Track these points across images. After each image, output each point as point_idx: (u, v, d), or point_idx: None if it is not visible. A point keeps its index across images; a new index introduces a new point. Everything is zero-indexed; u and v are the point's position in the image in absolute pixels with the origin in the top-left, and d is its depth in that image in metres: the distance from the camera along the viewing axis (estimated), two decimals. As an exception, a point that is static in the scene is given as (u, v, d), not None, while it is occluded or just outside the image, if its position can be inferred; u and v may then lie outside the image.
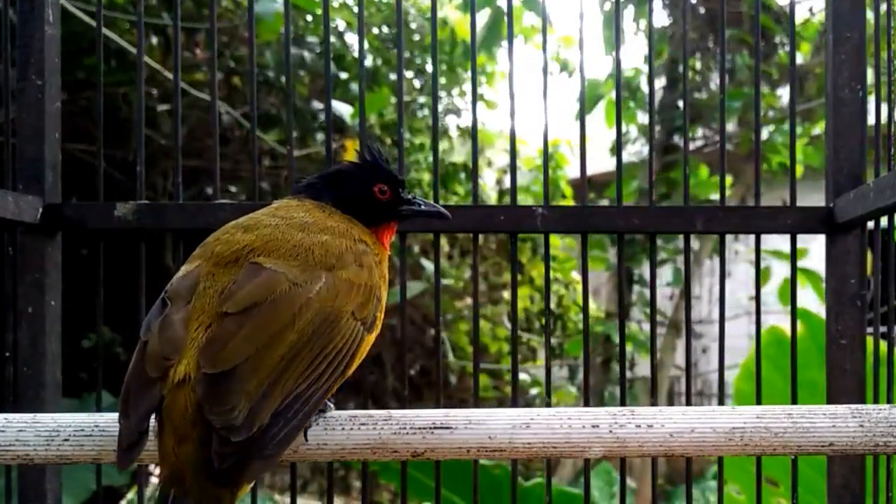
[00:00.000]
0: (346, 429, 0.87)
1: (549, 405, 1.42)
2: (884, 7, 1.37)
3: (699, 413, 0.88)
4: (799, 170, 4.66)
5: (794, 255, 1.44)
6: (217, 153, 1.42)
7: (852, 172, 1.41)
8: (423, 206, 1.05)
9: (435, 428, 0.87)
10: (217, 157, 1.41)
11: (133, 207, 1.36)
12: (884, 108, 1.35)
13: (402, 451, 0.88)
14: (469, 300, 4.89)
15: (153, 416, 0.78)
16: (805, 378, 1.91)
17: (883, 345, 1.32)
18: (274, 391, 0.77)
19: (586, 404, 1.41)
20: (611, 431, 0.87)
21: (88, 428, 0.87)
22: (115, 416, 0.88)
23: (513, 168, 1.43)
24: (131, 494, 3.33)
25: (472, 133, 1.44)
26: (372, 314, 0.90)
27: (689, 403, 1.46)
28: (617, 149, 1.44)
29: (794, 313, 1.43)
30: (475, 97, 1.43)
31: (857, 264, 1.40)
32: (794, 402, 1.39)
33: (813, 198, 1.58)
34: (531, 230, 1.40)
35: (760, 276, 1.50)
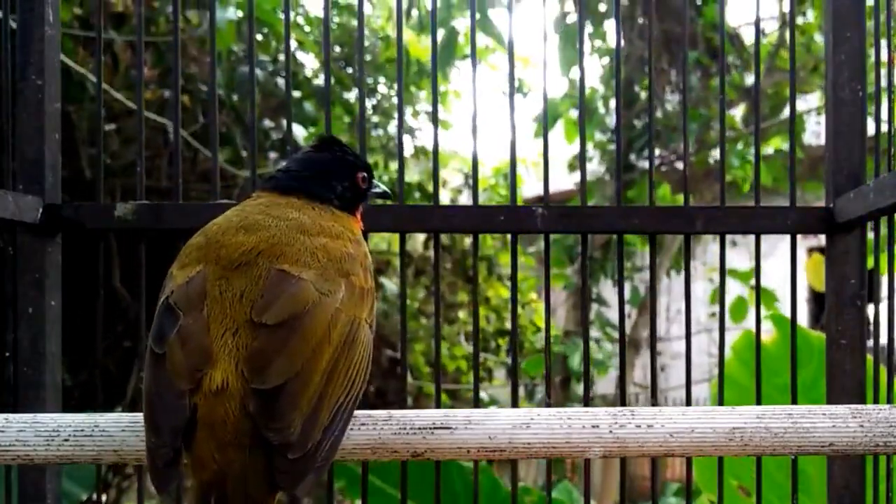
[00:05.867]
0: (345, 429, 0.86)
1: (549, 405, 1.42)
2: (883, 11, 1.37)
3: (699, 413, 0.88)
4: (746, 187, 4.85)
5: (794, 255, 1.44)
6: (216, 154, 1.42)
7: (852, 172, 1.41)
8: (380, 188, 1.12)
9: (435, 428, 0.87)
10: (216, 160, 1.42)
11: (133, 207, 1.36)
12: (884, 107, 1.35)
13: (402, 452, 0.87)
14: (424, 320, 4.91)
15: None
16: (781, 383, 1.92)
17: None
18: (322, 407, 0.78)
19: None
20: (611, 432, 0.87)
21: (88, 428, 0.87)
22: (116, 416, 0.88)
23: (513, 168, 1.43)
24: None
25: (472, 137, 1.44)
26: (373, 317, 0.90)
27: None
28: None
29: (794, 314, 1.43)
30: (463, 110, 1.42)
31: (857, 264, 1.40)
32: (794, 401, 1.39)
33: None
34: (531, 230, 1.40)
35: (759, 278, 1.50)
